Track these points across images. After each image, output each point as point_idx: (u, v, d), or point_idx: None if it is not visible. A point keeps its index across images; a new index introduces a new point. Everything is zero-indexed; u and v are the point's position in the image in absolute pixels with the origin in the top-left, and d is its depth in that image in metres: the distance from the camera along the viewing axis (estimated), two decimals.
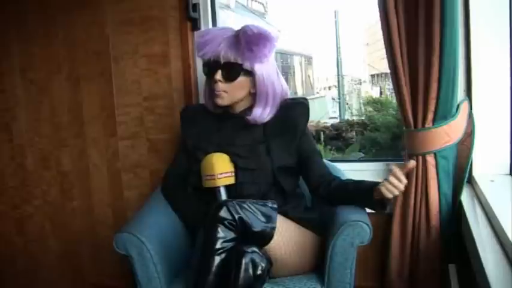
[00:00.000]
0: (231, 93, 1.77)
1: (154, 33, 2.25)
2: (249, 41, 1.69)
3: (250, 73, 1.75)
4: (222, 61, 1.73)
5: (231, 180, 1.75)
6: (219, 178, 1.73)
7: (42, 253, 2.58)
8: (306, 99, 1.89)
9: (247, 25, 1.72)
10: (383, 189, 1.57)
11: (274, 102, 1.81)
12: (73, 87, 2.41)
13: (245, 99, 1.81)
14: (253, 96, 1.80)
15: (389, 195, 1.57)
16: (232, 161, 1.76)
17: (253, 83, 1.77)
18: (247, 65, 1.73)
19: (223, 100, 1.77)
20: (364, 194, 1.67)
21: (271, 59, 1.80)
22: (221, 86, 1.75)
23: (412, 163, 1.61)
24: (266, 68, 1.77)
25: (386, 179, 1.57)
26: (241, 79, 1.75)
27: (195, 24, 2.22)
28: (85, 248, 2.51)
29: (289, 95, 1.91)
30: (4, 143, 2.56)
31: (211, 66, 1.77)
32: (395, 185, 1.56)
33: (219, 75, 1.74)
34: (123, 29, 2.29)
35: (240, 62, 1.73)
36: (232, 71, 1.74)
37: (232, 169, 1.76)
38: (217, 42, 1.74)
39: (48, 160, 2.51)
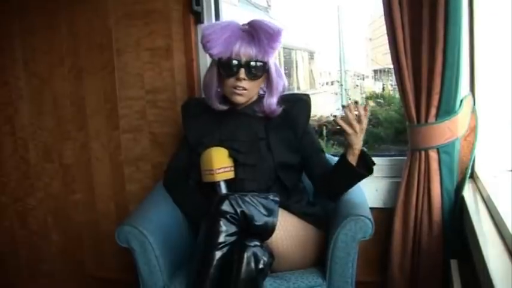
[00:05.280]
0: (251, 90, 1.77)
1: (158, 27, 2.25)
2: (271, 39, 1.69)
3: (268, 69, 1.77)
4: (243, 59, 1.72)
5: (231, 175, 1.76)
6: (218, 173, 1.74)
7: (44, 246, 2.59)
8: (307, 96, 1.90)
9: (262, 22, 1.71)
10: (341, 123, 1.58)
11: (280, 93, 1.83)
12: (76, 80, 2.41)
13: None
14: (258, 90, 1.82)
15: (349, 129, 1.58)
16: (232, 156, 1.76)
17: (266, 77, 1.79)
18: (267, 61, 1.75)
19: (244, 98, 1.78)
20: (342, 166, 1.66)
21: None
22: (245, 84, 1.74)
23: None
24: (274, 60, 1.79)
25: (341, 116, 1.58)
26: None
27: (198, 18, 2.21)
28: (87, 241, 2.52)
29: (292, 90, 1.92)
30: (7, 136, 2.56)
31: (231, 65, 1.73)
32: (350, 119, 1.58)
33: (243, 74, 1.72)
34: (126, 22, 2.28)
35: (263, 59, 1.73)
36: (256, 69, 1.73)
37: (231, 164, 1.76)
38: (233, 39, 1.72)
39: (51, 153, 2.51)
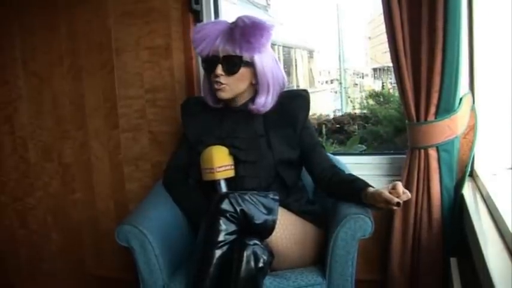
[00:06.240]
0: (232, 86, 1.76)
1: (157, 26, 2.25)
2: (244, 32, 1.68)
3: (250, 64, 1.75)
4: (221, 55, 1.73)
5: (231, 173, 1.76)
6: (218, 171, 1.74)
7: (44, 245, 2.60)
8: (306, 91, 1.89)
9: (241, 17, 1.72)
10: (381, 204, 1.52)
11: (275, 91, 1.81)
12: (75, 80, 2.41)
13: (247, 91, 1.81)
14: (254, 87, 1.81)
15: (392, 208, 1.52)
16: (233, 153, 1.76)
17: (254, 74, 1.77)
18: (246, 57, 1.73)
19: (226, 93, 1.77)
20: (354, 198, 1.63)
21: (268, 48, 1.80)
22: (223, 79, 1.74)
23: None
24: (265, 58, 1.77)
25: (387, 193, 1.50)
26: (242, 71, 1.75)
27: (198, 17, 2.21)
28: (87, 240, 2.52)
29: (291, 87, 1.91)
30: (6, 135, 2.56)
31: (210, 62, 1.76)
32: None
33: (219, 70, 1.73)
34: (126, 21, 2.28)
35: (239, 54, 1.72)
36: (233, 63, 1.73)
37: (232, 162, 1.76)
38: (214, 36, 1.75)
39: (50, 152, 2.51)
